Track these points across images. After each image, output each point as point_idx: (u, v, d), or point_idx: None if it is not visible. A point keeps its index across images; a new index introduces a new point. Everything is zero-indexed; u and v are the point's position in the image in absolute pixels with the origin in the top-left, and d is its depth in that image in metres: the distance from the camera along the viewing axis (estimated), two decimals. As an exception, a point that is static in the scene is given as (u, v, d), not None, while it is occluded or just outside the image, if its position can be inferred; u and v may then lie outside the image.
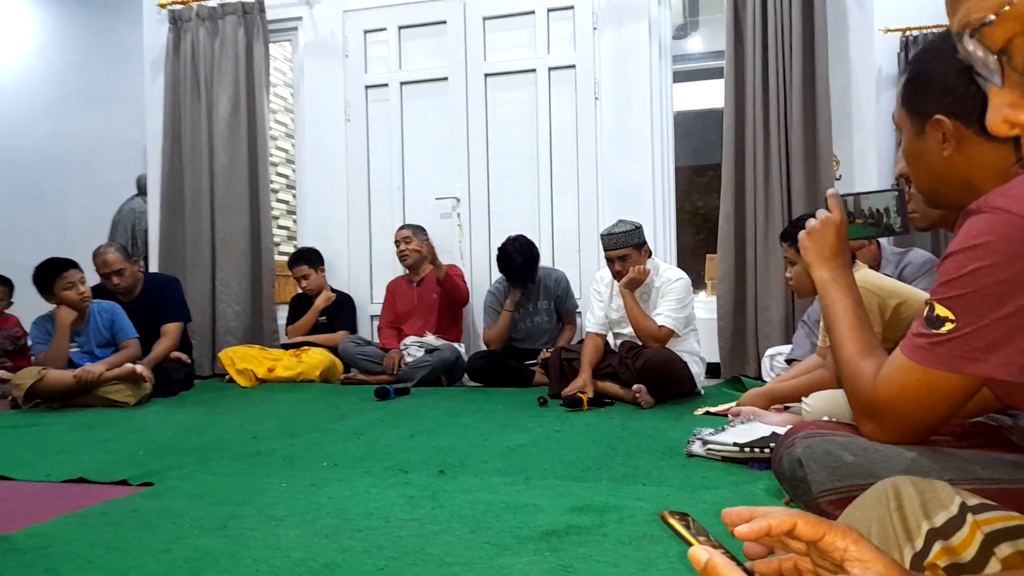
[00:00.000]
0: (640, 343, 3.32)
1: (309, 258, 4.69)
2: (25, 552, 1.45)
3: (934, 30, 4.90)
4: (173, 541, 1.49)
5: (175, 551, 1.43)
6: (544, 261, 4.37)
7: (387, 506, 1.72)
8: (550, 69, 4.66)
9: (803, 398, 2.20)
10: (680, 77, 5.19)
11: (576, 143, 4.63)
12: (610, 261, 3.36)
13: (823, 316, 1.31)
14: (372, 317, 4.88)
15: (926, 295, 1.02)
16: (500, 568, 1.31)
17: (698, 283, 5.99)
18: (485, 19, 4.76)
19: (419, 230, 4.46)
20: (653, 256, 3.47)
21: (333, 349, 4.43)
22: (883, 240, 3.21)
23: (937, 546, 0.68)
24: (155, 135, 5.14)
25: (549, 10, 4.65)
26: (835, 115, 4.11)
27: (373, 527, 1.56)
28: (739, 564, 0.53)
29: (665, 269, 3.45)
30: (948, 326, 0.94)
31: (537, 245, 4.21)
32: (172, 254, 5.03)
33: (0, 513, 1.77)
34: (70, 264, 3.70)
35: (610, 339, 3.60)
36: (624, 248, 3.30)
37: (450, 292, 4.30)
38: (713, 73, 5.35)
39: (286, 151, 7.23)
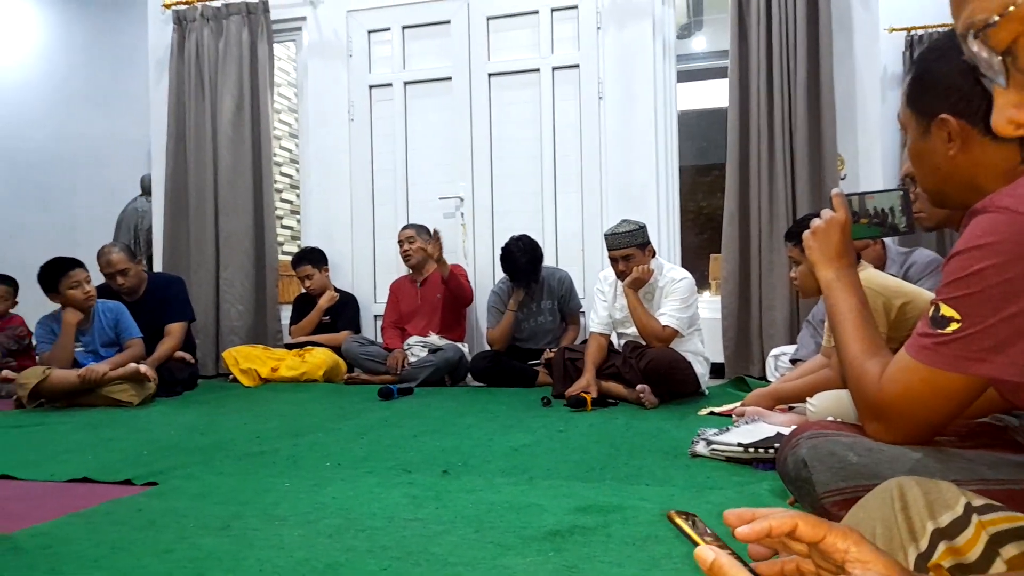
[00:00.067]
0: (644, 343, 3.32)
1: (313, 258, 4.69)
2: (29, 552, 1.45)
3: (939, 29, 4.89)
4: (177, 541, 1.49)
5: (179, 551, 1.43)
6: (548, 261, 4.37)
7: (391, 506, 1.72)
8: (554, 69, 4.66)
9: (808, 398, 2.19)
10: (684, 76, 5.19)
11: (580, 143, 4.62)
12: (614, 261, 3.36)
13: (828, 316, 1.31)
14: (376, 317, 4.88)
15: (931, 295, 1.02)
16: (504, 568, 1.31)
17: (702, 283, 5.98)
18: (489, 19, 4.76)
19: (422, 230, 4.46)
20: (657, 256, 3.46)
21: (337, 349, 4.44)
22: (888, 240, 3.20)
23: (942, 546, 0.67)
24: (159, 135, 5.15)
25: (553, 10, 4.65)
26: (840, 114, 4.10)
27: (377, 527, 1.56)
28: (745, 565, 0.53)
29: (669, 269, 3.44)
30: (953, 326, 0.94)
31: (541, 245, 4.21)
32: (176, 254, 5.04)
33: (4, 512, 1.77)
34: (75, 263, 3.71)
35: (614, 339, 3.60)
36: (628, 248, 3.30)
37: (455, 290, 4.30)
38: (717, 72, 5.35)
39: (290, 151, 7.24)
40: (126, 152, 6.60)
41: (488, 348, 4.25)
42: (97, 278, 3.95)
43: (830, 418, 1.82)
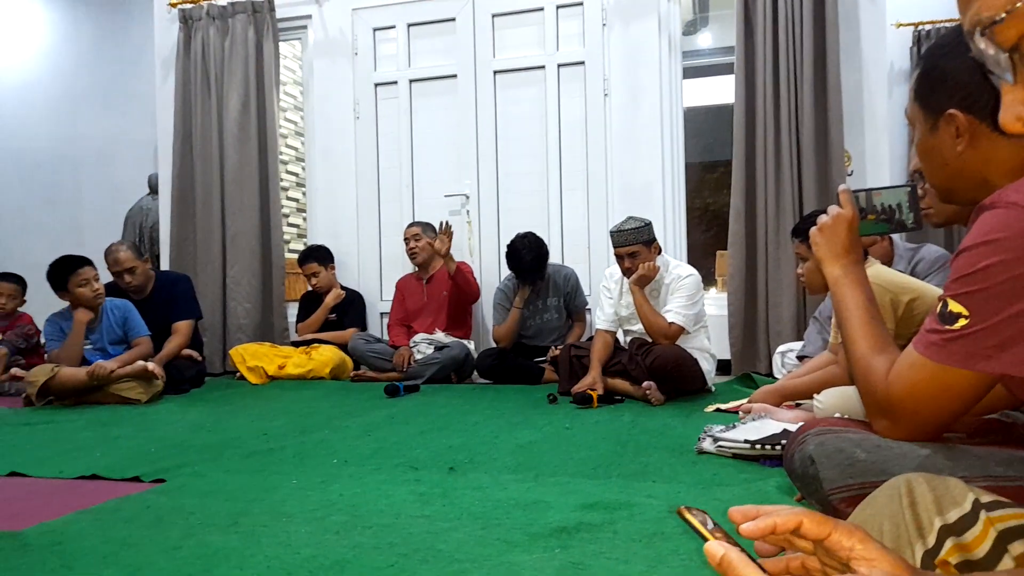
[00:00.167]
0: (650, 340, 3.31)
1: (319, 255, 4.70)
2: (38, 548, 1.46)
3: (947, 24, 4.87)
4: (185, 538, 1.50)
5: (187, 548, 1.44)
6: (553, 258, 4.36)
7: (397, 503, 1.72)
8: (559, 66, 4.65)
9: (815, 395, 2.19)
10: (690, 73, 5.17)
11: (585, 140, 4.62)
12: (620, 258, 3.36)
13: (835, 312, 1.30)
14: (382, 314, 4.89)
15: (939, 291, 1.01)
16: (510, 565, 1.31)
17: (708, 280, 5.96)
18: (494, 16, 4.76)
19: (428, 227, 4.46)
20: (663, 253, 3.46)
21: (343, 346, 4.45)
22: (895, 236, 3.19)
23: (949, 543, 0.67)
24: (166, 134, 5.16)
25: (558, 7, 4.64)
26: (847, 110, 4.08)
27: (384, 524, 1.56)
28: (753, 561, 0.53)
29: (675, 266, 3.44)
30: (962, 322, 0.93)
31: (546, 242, 4.20)
32: (183, 252, 5.06)
33: (14, 510, 1.78)
34: (84, 261, 3.74)
35: (620, 336, 3.60)
36: (634, 245, 3.29)
37: (462, 286, 4.31)
38: (723, 69, 5.33)
39: (296, 149, 7.25)
40: (133, 151, 6.62)
41: (494, 345, 4.25)
42: (104, 276, 3.97)
43: (837, 415, 1.82)
